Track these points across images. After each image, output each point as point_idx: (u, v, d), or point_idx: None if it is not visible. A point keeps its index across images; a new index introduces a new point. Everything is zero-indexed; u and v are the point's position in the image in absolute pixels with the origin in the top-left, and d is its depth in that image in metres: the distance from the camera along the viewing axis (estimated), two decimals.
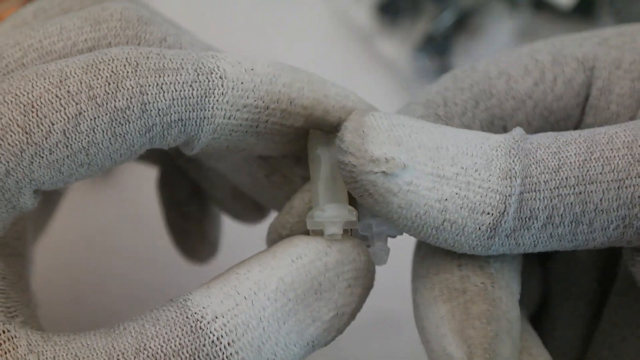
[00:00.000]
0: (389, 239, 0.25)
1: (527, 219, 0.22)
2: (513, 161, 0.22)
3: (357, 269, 0.23)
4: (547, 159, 0.22)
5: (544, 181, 0.22)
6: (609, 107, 0.25)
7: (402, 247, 0.40)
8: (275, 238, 0.25)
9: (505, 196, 0.22)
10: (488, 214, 0.22)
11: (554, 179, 0.22)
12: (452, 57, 0.48)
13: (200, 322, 0.21)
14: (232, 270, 0.23)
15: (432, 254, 0.24)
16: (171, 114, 0.22)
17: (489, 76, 0.26)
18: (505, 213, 0.22)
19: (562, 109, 0.25)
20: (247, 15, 0.52)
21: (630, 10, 0.48)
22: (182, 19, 0.51)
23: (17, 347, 0.21)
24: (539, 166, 0.22)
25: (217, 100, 0.22)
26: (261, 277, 0.22)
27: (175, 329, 0.21)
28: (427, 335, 0.23)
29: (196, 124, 0.22)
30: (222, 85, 0.22)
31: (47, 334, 0.21)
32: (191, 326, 0.21)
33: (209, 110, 0.22)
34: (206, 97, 0.22)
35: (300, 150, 0.25)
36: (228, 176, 0.29)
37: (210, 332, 0.21)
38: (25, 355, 0.21)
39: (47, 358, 0.21)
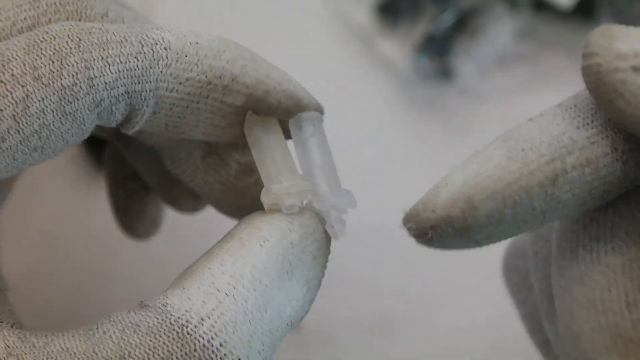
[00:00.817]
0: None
1: None
2: None
3: (318, 240, 0.23)
4: None
5: None
6: None
7: (398, 249, 0.40)
8: None
9: None
10: None
11: None
12: (452, 58, 0.48)
13: (187, 327, 0.21)
14: (203, 265, 0.22)
15: (593, 282, 0.22)
16: (118, 87, 0.22)
17: None
18: None
19: None
20: (247, 15, 0.52)
21: (631, 11, 0.48)
22: (182, 18, 0.51)
23: None
24: None
25: (161, 72, 0.22)
26: (235, 269, 0.22)
27: (160, 337, 0.21)
28: None
29: (141, 97, 0.22)
30: (167, 57, 0.22)
31: (23, 334, 0.21)
32: (177, 332, 0.21)
33: (153, 82, 0.22)
34: (150, 68, 0.22)
35: (238, 138, 0.25)
36: (163, 155, 0.29)
37: (200, 336, 0.21)
38: (4, 358, 0.20)
39: None
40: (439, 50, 0.48)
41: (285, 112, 0.25)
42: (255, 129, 0.25)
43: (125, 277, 0.43)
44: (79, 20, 0.23)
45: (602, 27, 0.21)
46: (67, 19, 0.23)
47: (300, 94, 0.26)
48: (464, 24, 0.48)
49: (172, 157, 0.28)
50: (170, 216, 0.36)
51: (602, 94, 0.21)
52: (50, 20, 0.23)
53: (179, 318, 0.21)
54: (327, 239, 0.24)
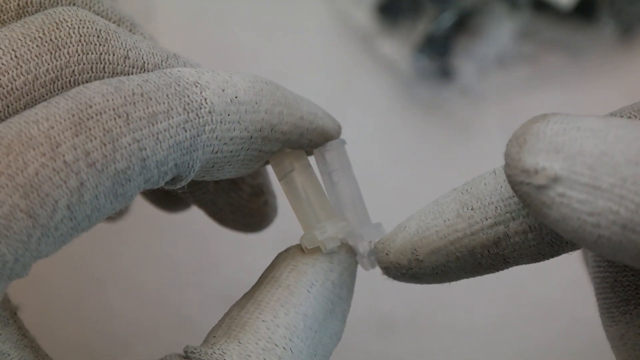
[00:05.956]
0: None
1: None
2: None
3: (352, 274, 0.24)
4: None
5: None
6: None
7: None
8: None
9: None
10: (639, 233, 0.19)
11: None
12: (452, 58, 0.48)
13: None
14: (256, 317, 0.22)
15: (631, 343, 0.23)
16: (168, 163, 0.21)
17: None
18: None
19: None
20: (247, 16, 0.52)
21: (631, 11, 0.48)
22: (182, 19, 0.51)
23: None
24: None
25: (208, 137, 0.21)
26: (289, 321, 0.22)
27: None
28: None
29: (188, 166, 0.21)
30: (212, 121, 0.21)
31: None
32: None
33: (200, 150, 0.21)
34: (198, 136, 0.21)
35: (260, 168, 0.25)
36: None
37: None
38: None
39: None
40: (439, 50, 0.48)
41: (314, 147, 0.25)
42: (284, 164, 0.24)
43: (125, 277, 0.43)
44: (103, 68, 0.22)
45: (520, 128, 0.21)
46: (91, 68, 0.22)
47: (327, 126, 0.25)
48: (464, 24, 0.48)
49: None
50: (171, 217, 0.36)
51: (518, 198, 0.21)
52: (73, 71, 0.21)
53: None
54: (356, 270, 0.24)
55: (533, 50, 0.49)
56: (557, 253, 0.23)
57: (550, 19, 0.49)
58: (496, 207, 0.22)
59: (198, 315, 0.41)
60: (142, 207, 0.38)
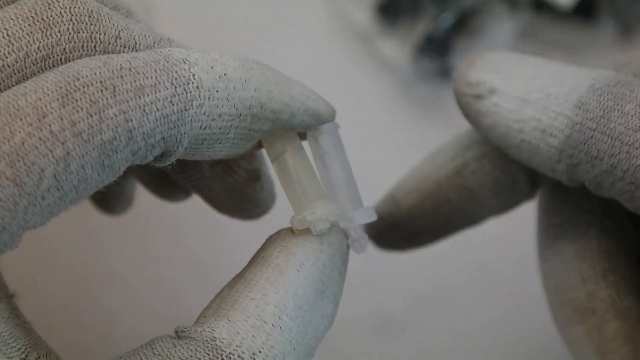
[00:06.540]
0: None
1: (593, 158, 0.23)
2: (592, 97, 0.23)
3: (343, 256, 0.24)
4: (634, 115, 0.22)
5: (619, 133, 0.22)
6: None
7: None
8: None
9: (573, 123, 0.23)
10: (555, 136, 0.23)
11: (631, 137, 0.22)
12: (452, 58, 0.48)
13: None
14: (245, 296, 0.22)
15: (556, 271, 0.26)
16: (155, 135, 0.21)
17: None
18: (570, 138, 0.23)
19: None
20: (247, 15, 0.52)
21: (631, 11, 0.48)
22: (182, 19, 0.51)
23: None
24: (623, 118, 0.23)
25: (195, 112, 0.22)
26: (279, 299, 0.22)
27: None
28: (572, 351, 0.27)
29: (176, 140, 0.22)
30: (200, 96, 0.22)
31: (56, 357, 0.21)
32: None
33: (187, 125, 0.22)
34: (185, 110, 0.21)
35: (254, 151, 0.25)
36: None
37: None
38: None
39: None
40: (439, 50, 0.48)
41: (306, 129, 0.25)
42: (276, 145, 0.25)
43: (124, 277, 0.44)
44: (94, 46, 0.23)
45: (472, 55, 0.26)
46: (82, 47, 0.22)
47: (320, 108, 0.25)
48: (464, 24, 0.48)
49: (175, 163, 0.28)
50: (169, 216, 0.36)
51: (461, 113, 0.26)
52: (64, 49, 0.22)
53: (231, 353, 0.21)
54: (348, 252, 0.24)
55: (533, 50, 0.49)
56: (512, 182, 0.27)
57: (550, 19, 0.49)
58: (453, 147, 0.28)
59: (198, 313, 0.41)
60: (143, 205, 0.38)
